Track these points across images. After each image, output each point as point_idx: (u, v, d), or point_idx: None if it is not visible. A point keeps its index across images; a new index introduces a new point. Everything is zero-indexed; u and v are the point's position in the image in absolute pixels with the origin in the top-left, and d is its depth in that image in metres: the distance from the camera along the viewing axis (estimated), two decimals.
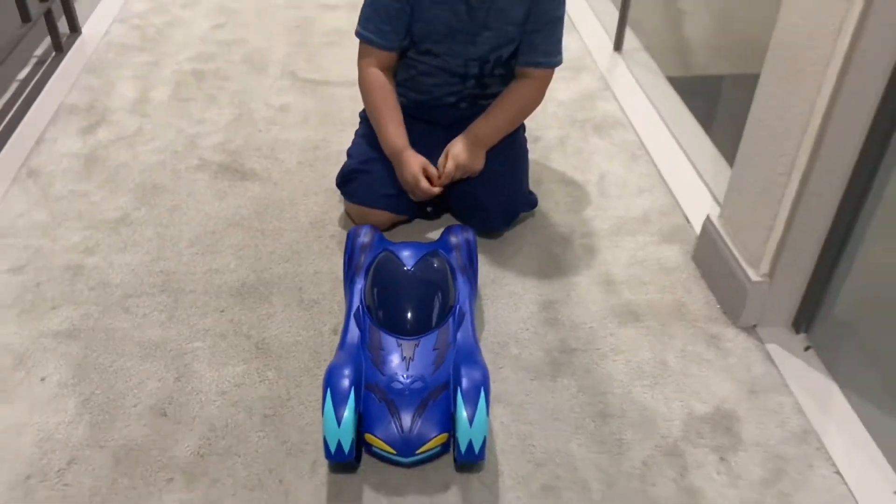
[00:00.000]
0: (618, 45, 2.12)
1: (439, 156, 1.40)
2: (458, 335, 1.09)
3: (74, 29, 2.13)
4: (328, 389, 0.97)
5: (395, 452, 0.99)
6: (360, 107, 1.49)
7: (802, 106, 1.08)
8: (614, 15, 2.13)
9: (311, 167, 1.63)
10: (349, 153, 1.48)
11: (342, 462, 1.00)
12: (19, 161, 1.63)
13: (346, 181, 1.44)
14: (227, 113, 1.82)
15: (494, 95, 1.44)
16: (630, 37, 2.13)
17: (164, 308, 1.28)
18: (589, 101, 1.89)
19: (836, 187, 1.12)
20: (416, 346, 1.07)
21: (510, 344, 1.23)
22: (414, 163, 1.35)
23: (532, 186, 1.52)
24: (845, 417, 1.13)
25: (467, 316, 1.13)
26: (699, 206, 1.52)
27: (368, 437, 1.00)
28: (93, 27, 2.18)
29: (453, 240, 1.27)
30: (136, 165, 1.63)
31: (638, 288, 1.35)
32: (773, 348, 1.24)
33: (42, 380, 1.16)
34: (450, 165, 1.36)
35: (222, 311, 1.28)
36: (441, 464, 1.03)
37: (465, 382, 0.98)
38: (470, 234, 1.28)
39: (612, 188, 1.60)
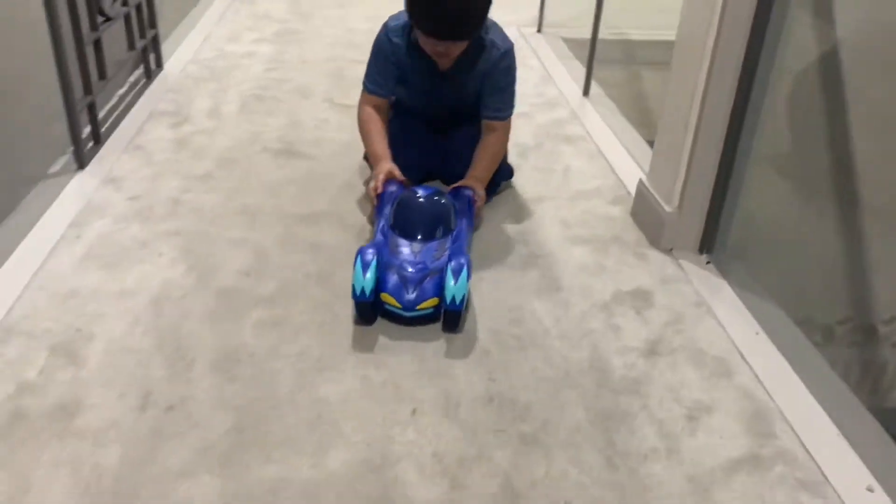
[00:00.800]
0: (586, 92, 2.70)
1: (427, 147, 1.90)
2: (454, 245, 1.56)
3: (159, 65, 2.71)
4: (358, 257, 1.42)
5: (400, 307, 1.44)
6: None
7: (689, 85, 1.61)
8: (583, 71, 2.73)
9: (344, 154, 2.16)
10: None
11: (364, 301, 1.42)
12: (127, 141, 2.15)
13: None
14: (282, 121, 2.36)
15: (466, 114, 1.86)
16: (595, 87, 2.72)
17: (243, 224, 1.77)
18: (560, 125, 2.45)
19: (716, 143, 1.64)
20: (422, 247, 1.53)
21: (493, 253, 1.71)
22: (385, 167, 1.72)
23: (515, 173, 2.04)
24: (728, 296, 1.60)
25: (462, 237, 1.59)
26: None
27: (384, 295, 1.44)
28: (172, 66, 2.77)
29: (456, 193, 1.74)
30: (214, 148, 2.15)
31: (587, 228, 1.85)
32: (682, 262, 1.72)
33: (160, 255, 1.63)
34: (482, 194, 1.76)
35: (286, 227, 1.77)
36: (432, 327, 1.48)
37: (452, 262, 1.44)
38: (469, 192, 1.75)
39: (574, 174, 2.12)
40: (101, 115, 2.20)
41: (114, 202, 1.83)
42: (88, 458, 1.13)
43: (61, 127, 1.98)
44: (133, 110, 2.37)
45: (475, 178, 1.78)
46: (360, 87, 1.88)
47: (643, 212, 1.85)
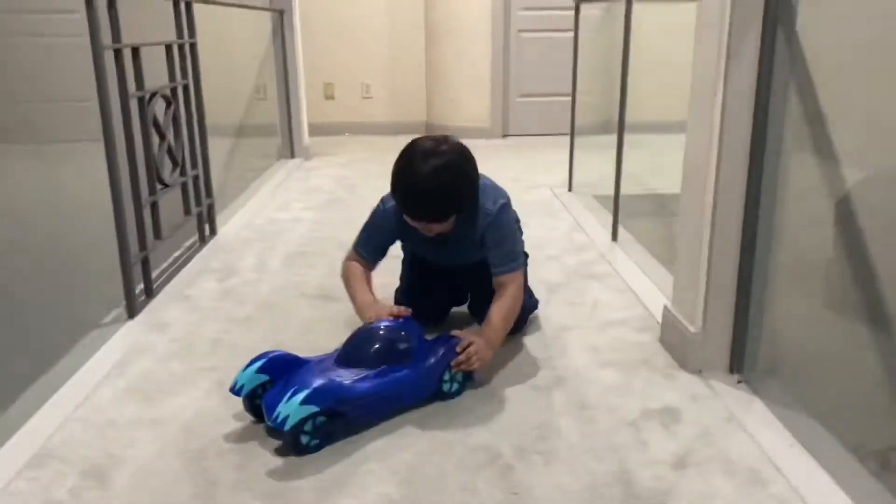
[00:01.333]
0: (614, 237, 2.79)
1: (442, 289, 1.98)
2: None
3: (213, 231, 2.93)
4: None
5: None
6: None
7: (698, 206, 1.68)
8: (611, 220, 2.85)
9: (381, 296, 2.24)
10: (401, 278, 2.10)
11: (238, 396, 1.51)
12: (176, 293, 2.30)
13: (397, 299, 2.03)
14: (321, 272, 2.49)
15: (483, 263, 1.81)
16: (623, 232, 2.81)
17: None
18: (588, 265, 2.52)
19: (731, 259, 1.67)
20: (345, 371, 1.52)
21: (519, 376, 1.72)
22: (384, 311, 1.70)
23: (540, 307, 2.08)
24: (760, 411, 1.56)
25: (393, 375, 1.52)
26: None
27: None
28: (225, 231, 2.99)
29: (446, 339, 1.66)
30: (256, 295, 2.28)
31: (616, 353, 1.85)
32: (712, 382, 1.69)
33: (195, 388, 1.69)
34: (473, 350, 1.64)
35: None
36: (462, 441, 1.49)
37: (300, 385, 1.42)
38: (455, 341, 1.64)
39: (603, 307, 2.15)
40: (155, 272, 2.36)
41: (158, 344, 1.93)
42: None
43: (118, 283, 2.14)
44: (186, 268, 2.54)
45: (484, 339, 1.69)
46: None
47: (670, 335, 1.86)
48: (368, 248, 1.88)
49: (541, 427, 1.51)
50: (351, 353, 1.57)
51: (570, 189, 3.64)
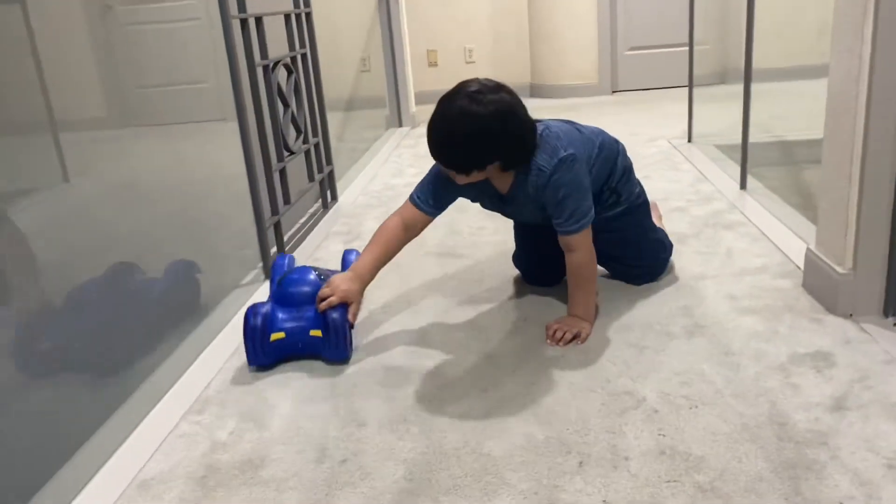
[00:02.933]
0: (743, 186, 2.66)
1: (540, 247, 1.86)
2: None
3: (334, 197, 3.02)
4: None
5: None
6: None
7: (847, 135, 1.58)
8: (738, 170, 2.72)
9: (501, 254, 2.25)
10: None
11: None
12: (307, 255, 2.38)
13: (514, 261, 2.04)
14: (441, 231, 2.51)
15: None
16: (752, 181, 2.68)
17: (408, 313, 1.87)
18: (718, 214, 2.42)
19: (885, 192, 1.56)
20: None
21: (655, 325, 1.68)
22: (335, 283, 1.63)
23: (672, 258, 2.02)
24: None
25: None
26: None
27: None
28: (345, 198, 3.06)
29: None
30: None
31: (756, 299, 1.78)
32: (865, 325, 1.59)
33: None
34: (562, 326, 1.64)
35: (446, 311, 1.85)
36: (604, 387, 1.47)
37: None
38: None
39: (737, 255, 2.06)
40: (286, 235, 2.46)
41: None
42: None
43: (254, 249, 2.24)
44: (312, 233, 2.62)
45: (575, 316, 1.67)
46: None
47: (815, 279, 1.76)
48: (423, 195, 1.72)
49: (684, 373, 1.47)
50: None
51: (689, 140, 3.50)
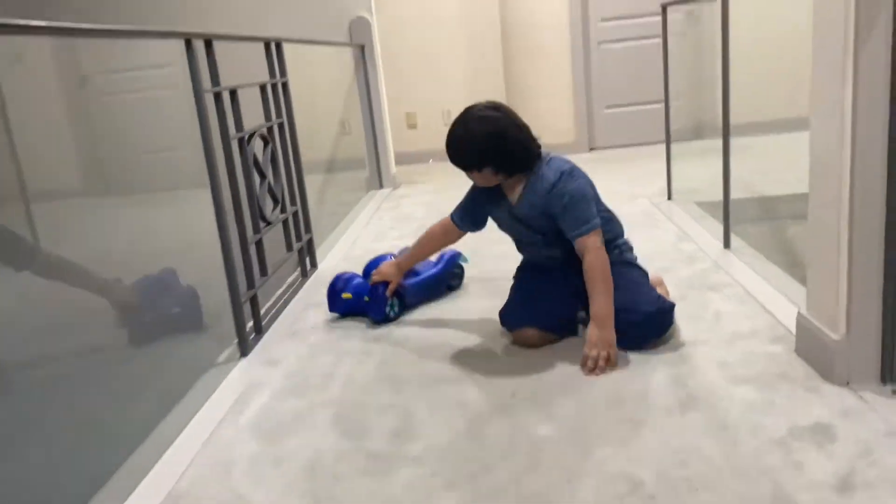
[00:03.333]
0: (726, 244, 2.64)
1: (555, 285, 1.96)
2: None
3: (314, 265, 2.96)
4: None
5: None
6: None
7: (833, 196, 1.56)
8: (720, 228, 2.70)
9: (488, 318, 2.19)
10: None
11: None
12: (285, 329, 2.31)
13: (501, 319, 2.03)
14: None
15: (570, 249, 1.89)
16: (736, 239, 2.66)
17: (391, 390, 1.80)
18: (704, 275, 2.38)
19: (875, 253, 1.53)
20: None
21: (648, 397, 1.62)
22: (381, 267, 2.27)
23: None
24: None
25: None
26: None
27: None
28: (326, 264, 3.01)
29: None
30: (363, 327, 2.26)
31: (749, 367, 1.72)
32: (863, 394, 1.54)
33: (314, 425, 1.67)
34: (593, 352, 1.76)
35: (432, 388, 1.78)
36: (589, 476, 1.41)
37: None
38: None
39: (726, 318, 2.02)
40: (263, 309, 2.39)
41: (272, 380, 1.93)
42: None
43: (229, 323, 2.16)
44: (291, 304, 2.55)
45: (598, 322, 1.80)
46: (497, 263, 2.17)
47: (808, 345, 1.72)
48: (460, 212, 2.12)
49: (681, 451, 1.41)
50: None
51: (669, 198, 3.50)
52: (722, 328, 1.96)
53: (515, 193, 1.92)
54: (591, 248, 1.84)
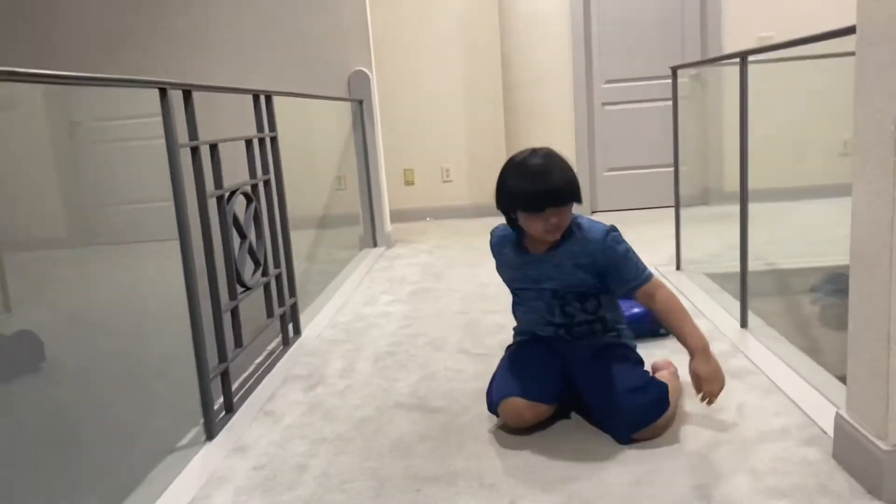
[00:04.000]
0: (744, 324, 2.44)
1: (542, 360, 1.84)
2: None
3: (297, 332, 2.74)
4: None
5: None
6: None
7: (880, 290, 1.36)
8: (734, 303, 2.51)
9: (481, 404, 1.97)
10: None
11: None
12: (258, 407, 2.08)
13: (488, 397, 1.85)
14: (415, 376, 2.24)
15: (582, 324, 1.83)
16: (753, 317, 2.46)
17: (369, 491, 1.57)
18: (722, 359, 2.14)
19: None
20: None
21: None
22: None
23: (677, 416, 1.77)
24: None
25: None
26: (832, 423, 1.69)
27: None
28: (310, 331, 2.79)
29: None
30: (345, 408, 2.03)
31: (782, 476, 1.50)
32: None
33: None
34: (714, 388, 1.68)
35: (418, 491, 1.55)
36: None
37: None
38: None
39: (751, 413, 1.80)
40: (236, 383, 2.17)
41: (238, 473, 1.70)
42: None
43: (196, 397, 1.94)
44: (268, 377, 2.33)
45: (701, 352, 1.71)
46: (494, 336, 2.10)
47: (850, 453, 1.50)
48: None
49: None
50: None
51: (678, 268, 3.31)
52: (747, 425, 1.74)
53: (559, 230, 1.79)
54: (658, 286, 1.79)
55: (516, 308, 1.98)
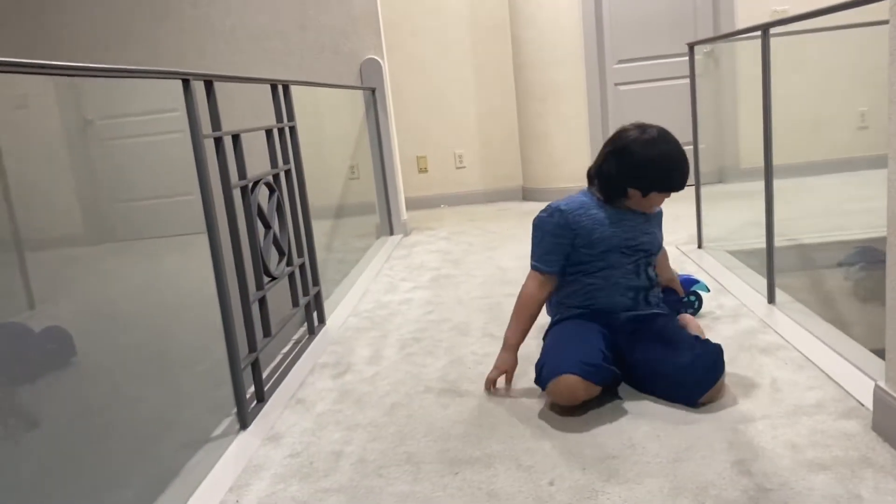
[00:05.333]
0: (771, 299, 2.42)
1: (616, 338, 1.87)
2: None
3: (322, 321, 2.74)
4: None
5: None
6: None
7: None
8: (760, 279, 2.49)
9: (513, 389, 1.97)
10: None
11: None
12: (289, 396, 2.09)
13: (539, 372, 1.82)
14: (442, 361, 2.24)
15: (654, 288, 2.00)
16: (780, 293, 2.44)
17: (408, 475, 1.57)
18: (751, 335, 2.16)
19: None
20: None
21: (709, 489, 1.39)
22: (504, 362, 1.94)
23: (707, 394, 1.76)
24: None
25: None
26: (870, 395, 1.67)
27: None
28: (334, 320, 2.79)
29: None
30: (375, 395, 2.04)
31: (822, 449, 1.49)
32: None
33: None
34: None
35: (456, 473, 1.55)
36: None
37: None
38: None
39: (785, 388, 1.79)
40: (265, 372, 2.17)
41: (274, 460, 1.71)
42: None
43: (228, 389, 1.95)
44: (296, 365, 2.34)
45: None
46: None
47: (892, 424, 1.49)
48: (546, 259, 1.96)
49: None
50: None
51: (699, 246, 3.29)
52: (783, 399, 1.73)
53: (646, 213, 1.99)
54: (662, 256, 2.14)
55: (583, 279, 1.96)
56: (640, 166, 1.88)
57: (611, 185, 1.94)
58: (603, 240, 1.92)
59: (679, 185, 1.92)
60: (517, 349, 1.97)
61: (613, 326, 1.90)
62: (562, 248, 1.94)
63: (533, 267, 1.98)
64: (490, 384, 1.96)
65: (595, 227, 1.93)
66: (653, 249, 1.99)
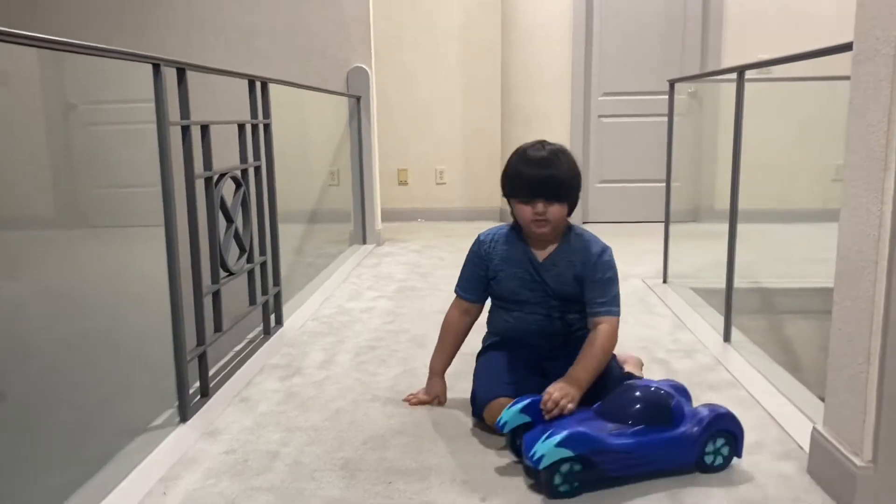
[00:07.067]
0: (727, 338, 2.44)
1: (536, 379, 1.75)
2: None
3: (279, 322, 2.72)
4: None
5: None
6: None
7: (863, 305, 1.36)
8: (718, 318, 2.51)
9: (463, 403, 1.96)
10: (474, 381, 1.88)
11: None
12: (234, 393, 2.06)
13: (472, 401, 1.83)
14: (394, 371, 2.22)
15: (580, 330, 1.81)
16: (737, 333, 2.46)
17: (340, 480, 1.55)
18: (703, 372, 2.17)
19: None
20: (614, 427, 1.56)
21: None
22: (432, 388, 1.95)
23: None
24: None
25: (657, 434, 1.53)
26: (808, 438, 1.68)
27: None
28: (293, 322, 2.77)
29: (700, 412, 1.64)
30: (321, 399, 2.01)
31: (757, 488, 1.50)
32: None
33: None
34: (556, 395, 1.58)
35: (389, 483, 1.53)
36: None
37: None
38: (711, 418, 1.58)
39: None
40: (213, 368, 2.14)
41: (209, 456, 1.68)
42: None
43: (173, 381, 1.92)
44: (246, 364, 2.31)
45: (572, 379, 1.65)
46: (476, 335, 1.92)
47: (825, 468, 1.50)
48: (467, 287, 1.93)
49: None
50: (613, 407, 1.57)
51: (664, 280, 3.31)
52: None
53: (547, 250, 1.82)
54: (611, 328, 1.74)
55: (500, 312, 1.90)
56: (504, 171, 1.81)
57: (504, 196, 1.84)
58: (507, 278, 1.84)
59: (529, 189, 1.73)
60: (442, 374, 1.96)
61: (536, 348, 1.85)
62: (479, 278, 1.89)
63: (455, 292, 1.96)
64: (414, 404, 1.94)
65: (501, 263, 1.85)
66: (563, 295, 1.80)
